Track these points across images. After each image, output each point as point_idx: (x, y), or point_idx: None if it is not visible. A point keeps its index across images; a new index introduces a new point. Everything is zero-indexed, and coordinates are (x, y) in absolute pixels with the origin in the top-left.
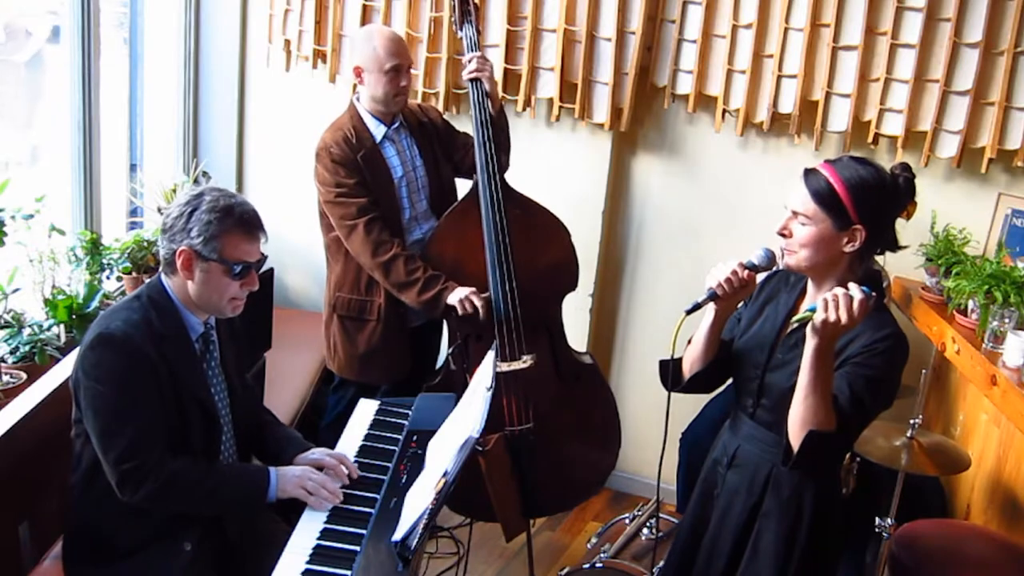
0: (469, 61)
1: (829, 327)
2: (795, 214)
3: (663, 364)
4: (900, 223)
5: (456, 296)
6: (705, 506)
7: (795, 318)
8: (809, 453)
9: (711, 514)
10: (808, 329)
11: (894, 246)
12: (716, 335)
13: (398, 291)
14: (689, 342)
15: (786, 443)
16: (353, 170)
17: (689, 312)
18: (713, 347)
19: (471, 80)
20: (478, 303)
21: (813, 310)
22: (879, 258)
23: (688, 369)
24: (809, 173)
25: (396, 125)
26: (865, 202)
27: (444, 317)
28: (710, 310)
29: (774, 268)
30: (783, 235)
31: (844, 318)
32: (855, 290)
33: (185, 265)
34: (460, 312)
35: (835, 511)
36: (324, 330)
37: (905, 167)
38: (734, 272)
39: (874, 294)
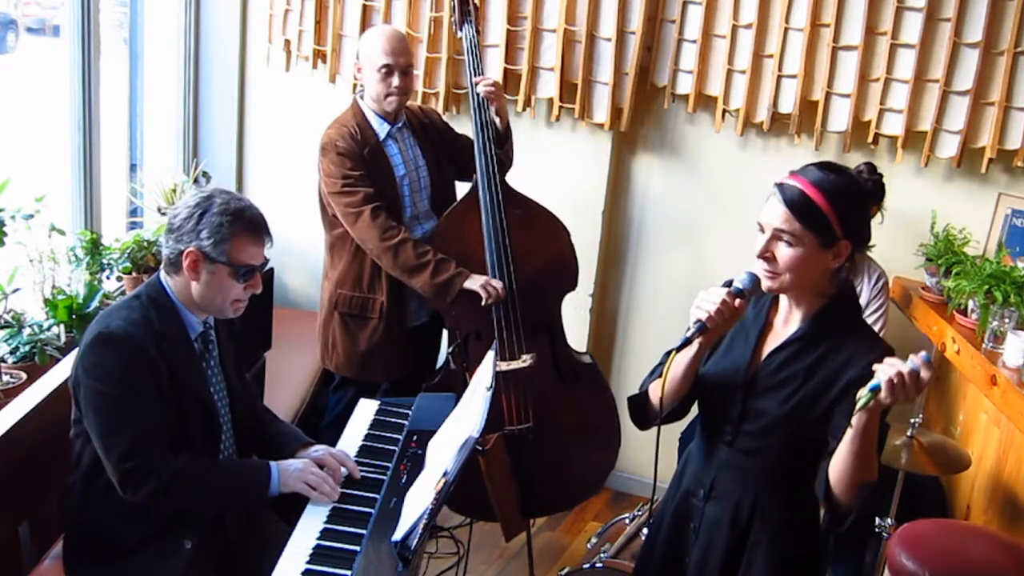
0: (481, 84)
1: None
2: (777, 235)
3: (631, 401)
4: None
5: (476, 282)
6: (680, 537)
7: (859, 405)
8: (864, 504)
9: (688, 547)
10: (861, 406)
11: (866, 243)
12: (695, 368)
13: (408, 275)
14: (652, 374)
15: (827, 503)
16: (359, 163)
17: (679, 349)
18: (690, 380)
19: (480, 96)
20: (498, 287)
21: (876, 389)
22: (876, 257)
23: (667, 404)
24: (782, 187)
25: (400, 124)
26: (849, 214)
27: (449, 309)
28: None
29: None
30: (765, 258)
31: (913, 396)
32: (921, 365)
33: (192, 266)
34: (484, 296)
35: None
36: (321, 328)
37: (872, 169)
38: (724, 302)
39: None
